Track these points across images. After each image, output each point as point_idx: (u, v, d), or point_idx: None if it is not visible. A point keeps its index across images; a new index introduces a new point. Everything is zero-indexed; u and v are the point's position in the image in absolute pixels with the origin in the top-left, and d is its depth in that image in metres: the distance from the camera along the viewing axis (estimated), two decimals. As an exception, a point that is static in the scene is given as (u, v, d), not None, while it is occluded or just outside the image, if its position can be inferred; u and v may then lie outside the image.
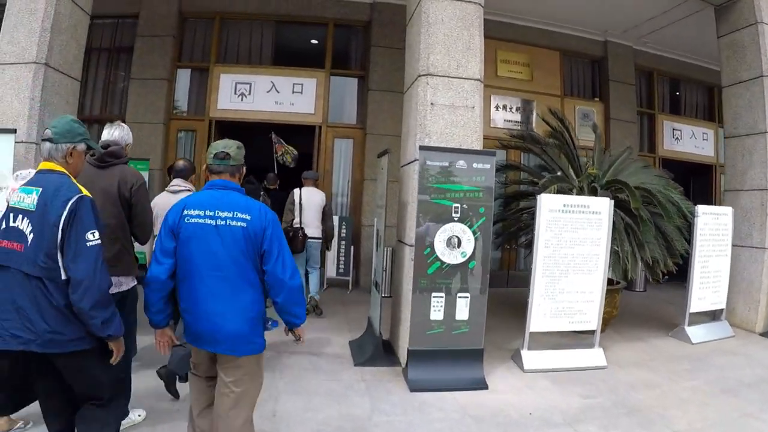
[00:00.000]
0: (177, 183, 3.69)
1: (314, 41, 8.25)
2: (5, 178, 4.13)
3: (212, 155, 2.20)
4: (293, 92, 7.63)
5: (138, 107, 7.59)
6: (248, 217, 2.06)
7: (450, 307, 4.02)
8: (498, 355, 4.57)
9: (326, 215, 5.75)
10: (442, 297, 4.02)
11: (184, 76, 7.92)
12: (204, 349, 2.15)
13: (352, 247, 7.42)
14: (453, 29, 4.30)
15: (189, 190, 3.58)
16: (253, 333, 2.12)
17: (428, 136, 4.13)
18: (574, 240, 4.51)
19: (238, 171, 2.25)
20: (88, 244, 1.85)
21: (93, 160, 2.69)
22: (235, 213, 2.07)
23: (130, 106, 7.63)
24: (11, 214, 1.91)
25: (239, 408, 2.12)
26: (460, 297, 4.06)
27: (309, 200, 5.71)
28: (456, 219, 4.01)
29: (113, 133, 2.93)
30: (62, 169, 2.00)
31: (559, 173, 6.15)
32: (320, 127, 7.66)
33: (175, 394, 3.23)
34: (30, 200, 1.89)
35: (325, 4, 7.85)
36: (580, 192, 5.70)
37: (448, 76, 4.26)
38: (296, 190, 5.75)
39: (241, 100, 7.59)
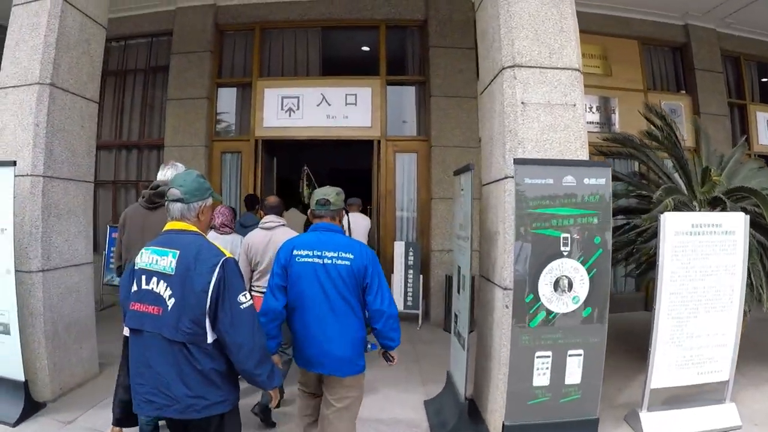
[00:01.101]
0: (271, 219, 3.55)
1: (366, 46, 7.44)
2: (5, 215, 3.48)
3: (315, 201, 2.53)
4: (346, 104, 6.81)
5: (177, 130, 6.91)
6: (351, 256, 2.37)
7: (558, 369, 3.15)
8: (608, 414, 3.61)
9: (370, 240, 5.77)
10: (548, 357, 3.15)
11: (225, 94, 7.21)
12: (313, 371, 2.45)
13: (421, 277, 6.51)
14: (539, 7, 3.43)
15: (283, 225, 3.53)
16: (356, 356, 2.43)
17: (521, 145, 3.24)
18: (704, 269, 3.51)
19: (338, 214, 2.57)
20: (242, 306, 1.85)
21: (143, 202, 2.72)
22: (340, 253, 2.38)
23: (168, 128, 6.98)
24: (143, 276, 1.87)
25: (343, 420, 2.45)
26: (571, 355, 3.17)
27: (356, 226, 5.59)
28: (565, 254, 3.12)
29: (166, 173, 2.86)
30: (195, 229, 1.97)
31: (670, 183, 5.12)
32: (379, 142, 6.81)
33: (273, 425, 3.44)
34: (165, 263, 1.85)
35: (374, 4, 7.04)
36: (701, 206, 4.68)
37: (540, 67, 3.38)
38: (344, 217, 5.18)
39: (289, 115, 6.82)
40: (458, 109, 6.77)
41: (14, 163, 3.56)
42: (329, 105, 6.80)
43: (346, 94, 6.82)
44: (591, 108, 7.48)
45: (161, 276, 1.85)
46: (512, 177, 3.13)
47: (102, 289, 6.95)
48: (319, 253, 2.38)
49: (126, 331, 2.51)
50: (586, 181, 3.14)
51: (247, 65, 7.13)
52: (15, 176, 3.54)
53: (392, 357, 2.57)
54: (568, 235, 3.12)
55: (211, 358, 1.84)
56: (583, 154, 3.34)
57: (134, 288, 1.90)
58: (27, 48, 3.84)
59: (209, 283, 1.80)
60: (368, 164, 7.02)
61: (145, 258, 1.90)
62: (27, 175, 3.69)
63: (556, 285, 3.13)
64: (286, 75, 7.07)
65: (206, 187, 2.03)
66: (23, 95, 3.80)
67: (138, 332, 1.87)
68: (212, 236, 3.65)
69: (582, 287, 3.15)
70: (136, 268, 1.92)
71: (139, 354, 1.86)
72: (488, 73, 3.73)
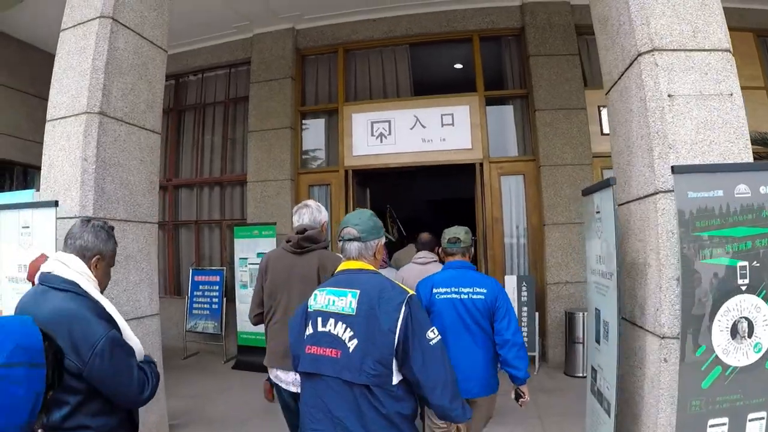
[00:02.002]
0: (424, 255, 3.65)
1: (459, 61, 6.82)
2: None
3: (446, 240, 2.86)
4: (443, 125, 6.17)
5: (260, 163, 6.49)
6: (485, 291, 2.67)
7: (736, 439, 2.31)
8: None
9: None
10: (724, 425, 2.34)
11: (310, 123, 6.77)
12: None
13: (536, 314, 5.70)
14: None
15: (435, 261, 3.56)
16: (492, 377, 2.72)
17: (672, 150, 2.45)
18: None
19: (468, 251, 2.88)
20: (431, 343, 1.72)
21: (290, 247, 2.60)
22: (474, 288, 2.68)
23: (251, 162, 6.58)
24: (319, 318, 1.80)
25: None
26: (752, 420, 2.36)
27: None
28: (744, 288, 2.31)
29: (303, 217, 2.72)
30: (372, 267, 1.90)
31: None
32: (481, 164, 6.11)
33: None
34: (344, 303, 1.78)
35: (465, 15, 6.40)
36: None
37: (684, 50, 2.60)
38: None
39: (380, 141, 6.24)
40: (566, 122, 6.01)
41: (56, 204, 3.09)
42: (424, 127, 6.18)
43: (442, 114, 6.18)
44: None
45: (340, 317, 1.78)
46: (666, 191, 2.40)
47: (186, 336, 6.55)
48: (456, 290, 2.67)
49: (290, 386, 2.51)
50: (762, 189, 2.31)
51: (332, 90, 6.65)
52: (58, 218, 3.07)
53: (523, 393, 2.76)
54: (746, 264, 2.30)
55: (395, 400, 1.73)
56: (748, 157, 2.51)
57: (309, 331, 1.83)
58: (74, 74, 3.40)
59: (396, 321, 1.71)
60: (468, 192, 6.33)
61: (321, 299, 1.84)
62: (73, 217, 3.18)
63: (734, 330, 2.30)
64: (375, 98, 6.52)
65: (380, 226, 2.01)
66: (70, 127, 3.34)
67: (314, 376, 1.79)
68: (414, 266, 3.75)
69: (765, 331, 2.32)
70: (309, 310, 1.85)
71: (315, 399, 1.79)
72: (616, 66, 2.96)
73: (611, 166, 5.87)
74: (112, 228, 1.86)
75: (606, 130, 6.18)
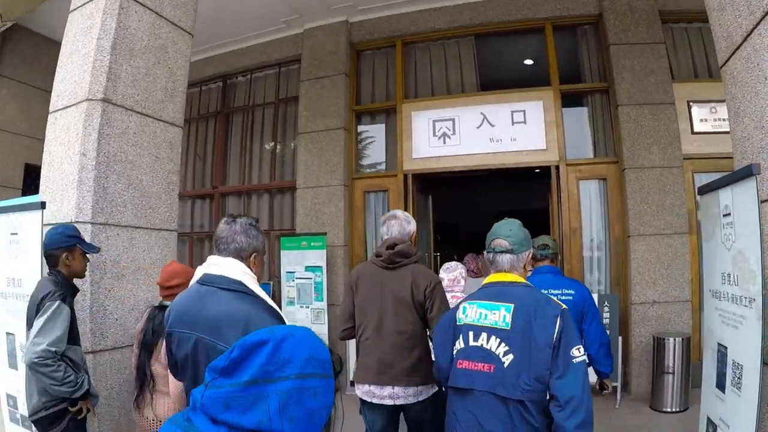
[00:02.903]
0: None
1: (530, 52, 6.18)
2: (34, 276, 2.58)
3: (536, 246, 2.94)
4: (513, 123, 5.56)
5: (310, 168, 6.03)
6: (572, 292, 2.87)
7: None
8: None
9: None
10: None
11: (365, 123, 6.28)
12: None
13: (619, 338, 5.01)
14: None
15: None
16: None
17: None
18: None
19: (555, 258, 3.19)
20: (574, 360, 1.67)
21: (380, 262, 2.51)
22: (563, 290, 2.86)
23: (300, 167, 6.13)
24: (471, 333, 1.81)
25: None
26: None
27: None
28: None
29: (392, 229, 2.58)
30: (522, 280, 1.89)
31: None
32: (557, 168, 5.46)
33: None
34: (497, 317, 1.76)
35: (536, 2, 5.75)
36: None
37: None
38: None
39: (443, 142, 5.68)
40: (653, 119, 5.29)
41: (42, 206, 2.64)
42: (492, 126, 5.58)
43: (512, 111, 5.56)
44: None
45: (493, 331, 1.78)
46: None
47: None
48: (545, 291, 2.50)
49: (385, 399, 2.44)
50: None
51: (390, 87, 6.13)
52: (45, 224, 2.63)
53: (607, 386, 2.99)
54: None
55: (545, 415, 1.71)
56: None
57: (460, 345, 1.84)
58: (78, 58, 2.93)
59: (552, 336, 1.69)
60: (541, 201, 5.69)
61: (471, 313, 1.85)
62: (70, 222, 2.71)
63: None
64: (437, 94, 5.96)
65: (529, 237, 2.00)
66: (71, 117, 2.88)
67: (466, 391, 1.79)
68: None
69: None
70: (459, 323, 1.86)
71: (466, 413, 1.79)
72: (738, 25, 2.28)
73: (705, 169, 5.17)
74: (257, 220, 1.82)
75: (698, 128, 5.46)
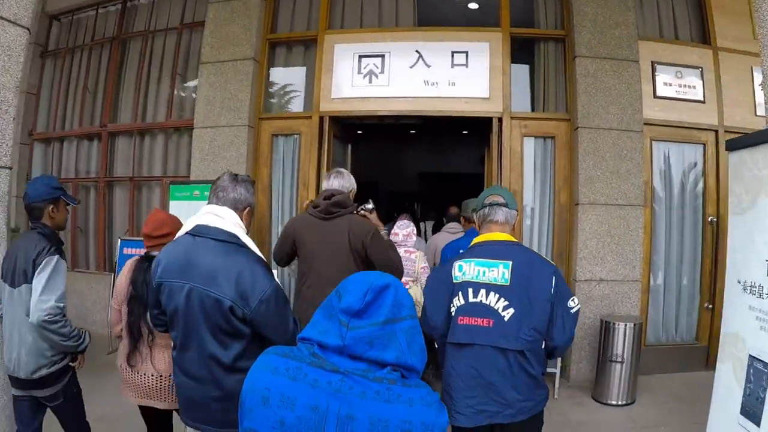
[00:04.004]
0: (454, 225, 4.11)
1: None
2: None
3: (470, 210, 3.36)
4: (453, 65, 4.69)
5: (212, 104, 4.99)
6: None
7: None
8: None
9: None
10: None
11: (281, 55, 5.24)
12: None
13: (561, 321, 4.20)
14: None
15: (462, 230, 3.83)
16: None
17: None
18: None
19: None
20: (572, 311, 1.88)
21: (317, 212, 2.60)
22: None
23: (200, 103, 5.07)
24: (470, 289, 1.88)
25: None
26: None
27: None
28: None
29: (332, 183, 2.68)
30: (515, 240, 2.00)
31: None
32: (500, 120, 4.63)
33: None
34: (495, 274, 1.86)
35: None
36: None
37: None
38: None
39: (369, 81, 4.75)
40: (614, 76, 4.59)
41: None
42: (428, 67, 4.70)
43: (453, 52, 4.70)
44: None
45: (492, 288, 1.85)
46: None
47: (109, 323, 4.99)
48: None
49: None
50: None
51: (313, 15, 5.12)
52: None
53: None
54: None
55: (540, 362, 1.88)
56: None
57: (459, 302, 1.89)
58: None
59: (550, 290, 1.84)
60: (473, 164, 4.87)
61: (468, 270, 1.90)
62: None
63: None
64: (366, 26, 5.01)
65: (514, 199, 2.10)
66: None
67: (466, 346, 1.86)
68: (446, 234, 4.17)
69: None
70: (456, 281, 1.91)
71: (467, 367, 1.86)
72: None
73: (665, 137, 4.46)
74: (254, 182, 1.98)
75: (661, 92, 4.78)
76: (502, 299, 1.82)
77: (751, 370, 1.71)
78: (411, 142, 8.74)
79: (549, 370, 4.15)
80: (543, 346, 1.90)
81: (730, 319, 1.94)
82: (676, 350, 4.78)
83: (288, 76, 5.13)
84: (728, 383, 1.84)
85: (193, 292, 1.62)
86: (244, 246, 1.70)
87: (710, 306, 4.79)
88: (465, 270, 1.90)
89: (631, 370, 3.98)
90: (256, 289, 1.61)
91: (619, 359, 3.98)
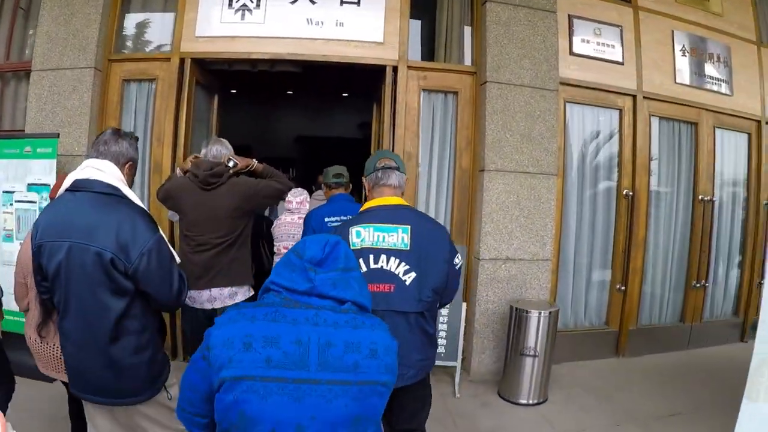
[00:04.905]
0: (321, 194, 4.09)
1: None
2: None
3: (330, 176, 3.27)
4: (342, 2, 3.97)
5: (54, 42, 4.06)
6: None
7: None
8: None
9: None
10: None
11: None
12: None
13: (464, 305, 3.64)
14: None
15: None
16: None
17: None
18: None
19: (348, 186, 3.31)
20: (456, 268, 1.99)
21: (198, 182, 2.62)
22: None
23: (40, 41, 4.11)
24: (371, 256, 1.87)
25: None
26: None
27: None
28: None
29: (212, 150, 2.76)
30: (407, 204, 2.02)
31: None
32: (394, 70, 3.96)
33: None
34: (395, 239, 1.87)
35: None
36: None
37: None
38: None
39: (242, 17, 3.94)
40: (528, 27, 4.07)
41: None
42: (312, 3, 3.95)
43: (343, -13, 3.97)
44: (711, 56, 4.83)
45: (393, 253, 1.86)
46: None
47: None
48: (344, 218, 2.60)
49: (205, 303, 2.62)
50: None
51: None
52: None
53: None
54: None
55: (435, 320, 1.98)
56: None
57: (361, 269, 1.78)
58: None
59: (447, 252, 1.91)
60: (375, 108, 4.20)
61: (367, 236, 1.89)
62: None
63: None
64: (241, -50, 4.19)
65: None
66: None
67: None
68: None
69: None
70: (354, 248, 1.86)
71: None
72: None
73: (580, 100, 3.93)
74: (138, 139, 1.94)
75: (577, 49, 4.30)
76: (403, 263, 1.84)
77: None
78: (291, 101, 8.32)
79: (448, 363, 3.64)
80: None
81: None
82: (585, 336, 4.37)
83: (146, 8, 4.22)
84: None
85: (74, 248, 1.58)
86: (125, 198, 1.67)
87: (623, 288, 4.41)
88: (364, 236, 1.88)
89: (545, 365, 3.48)
90: (137, 240, 1.58)
91: (532, 352, 3.45)
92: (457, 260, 1.97)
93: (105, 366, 1.62)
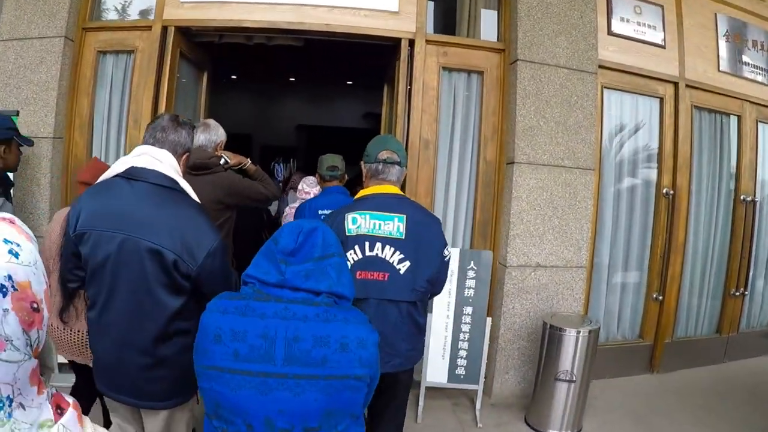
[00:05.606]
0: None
1: None
2: None
3: (324, 167, 3.19)
4: (351, -33, 3.42)
5: (23, 8, 3.53)
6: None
7: None
8: None
9: None
10: None
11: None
12: None
13: (488, 320, 3.13)
14: None
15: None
16: None
17: None
18: None
19: (343, 178, 3.27)
20: (445, 259, 1.99)
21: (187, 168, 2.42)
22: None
23: (8, 7, 3.58)
24: (367, 243, 1.86)
25: None
26: None
27: None
28: None
29: (200, 138, 2.60)
30: (403, 194, 2.05)
31: None
32: (411, 44, 3.42)
33: None
34: (391, 228, 1.87)
35: None
36: None
37: None
38: None
39: (234, -19, 3.40)
40: (566, 0, 3.50)
41: None
42: (317, -34, 3.40)
43: (352, -52, 3.42)
44: (755, 43, 4.40)
45: (388, 241, 1.85)
46: None
47: None
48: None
49: None
50: None
51: None
52: None
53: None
54: None
55: (425, 311, 2.01)
56: None
57: (357, 256, 1.86)
58: None
59: (442, 243, 1.94)
60: (387, 87, 3.68)
61: (363, 223, 1.88)
62: None
63: None
64: None
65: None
66: None
67: (360, 301, 1.81)
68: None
69: None
70: (349, 234, 1.86)
71: None
72: None
73: (618, 86, 3.32)
74: (195, 127, 1.90)
75: (616, 28, 3.79)
76: (398, 252, 1.86)
77: None
78: (291, 89, 8.06)
79: (469, 387, 3.13)
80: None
81: None
82: (619, 350, 3.89)
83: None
84: None
85: (128, 242, 1.48)
86: (184, 192, 1.61)
87: (660, 297, 3.91)
88: (360, 223, 1.88)
89: (581, 391, 2.97)
90: (202, 242, 1.52)
91: (568, 377, 2.94)
92: (446, 252, 1.98)
93: (145, 366, 1.54)
